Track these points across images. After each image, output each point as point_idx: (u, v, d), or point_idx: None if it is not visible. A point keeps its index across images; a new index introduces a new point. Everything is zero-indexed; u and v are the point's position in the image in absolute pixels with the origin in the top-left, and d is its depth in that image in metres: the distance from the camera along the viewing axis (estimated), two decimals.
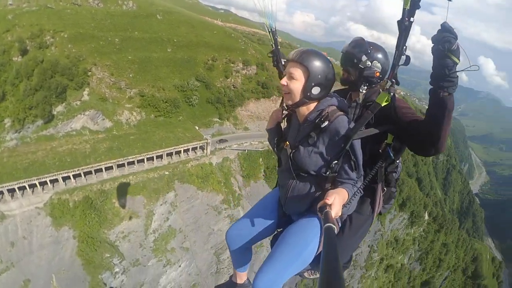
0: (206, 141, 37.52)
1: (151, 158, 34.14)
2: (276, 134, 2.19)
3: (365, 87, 2.07)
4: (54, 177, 31.49)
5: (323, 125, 1.79)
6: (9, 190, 30.91)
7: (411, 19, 1.48)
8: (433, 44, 1.43)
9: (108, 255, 33.14)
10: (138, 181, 33.14)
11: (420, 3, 1.42)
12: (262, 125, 44.76)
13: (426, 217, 69.52)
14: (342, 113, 1.83)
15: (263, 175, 42.32)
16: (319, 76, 1.75)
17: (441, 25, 1.39)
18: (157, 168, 34.23)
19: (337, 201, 1.48)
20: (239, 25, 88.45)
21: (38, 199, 32.02)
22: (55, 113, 32.94)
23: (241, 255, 2.42)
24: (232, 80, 44.51)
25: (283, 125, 2.20)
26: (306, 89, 1.78)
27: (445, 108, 1.52)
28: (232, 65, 45.14)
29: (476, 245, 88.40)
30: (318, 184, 1.92)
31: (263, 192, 33.38)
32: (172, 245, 37.51)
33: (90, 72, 35.04)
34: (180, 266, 37.95)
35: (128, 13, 46.68)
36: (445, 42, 1.37)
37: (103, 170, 32.70)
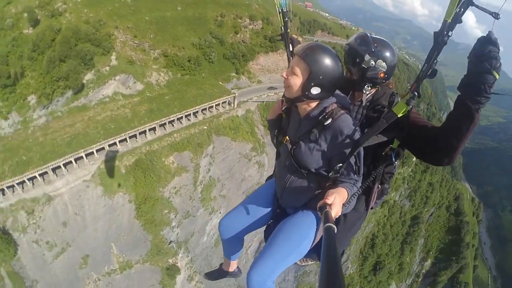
0: (234, 95, 39.30)
1: (189, 115, 35.25)
2: (276, 126, 2.16)
3: (369, 88, 1.99)
4: (101, 146, 31.03)
5: (326, 123, 1.75)
6: (53, 169, 29.82)
7: (450, 33, 1.40)
8: (474, 57, 1.34)
9: (166, 211, 33.99)
10: (182, 137, 33.97)
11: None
12: (273, 77, 47.74)
13: (414, 158, 74.67)
14: (345, 111, 1.79)
15: None
16: (321, 77, 1.66)
17: (486, 36, 1.30)
18: (195, 124, 35.29)
19: (337, 201, 1.46)
20: None
21: (85, 171, 31.21)
22: (84, 82, 31.67)
23: (233, 244, 2.43)
24: (241, 35, 45.51)
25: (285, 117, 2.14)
26: (305, 88, 1.71)
27: (472, 122, 1.46)
28: (239, 20, 46.03)
29: (458, 186, 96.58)
30: (317, 181, 1.91)
31: None
32: (214, 194, 39.71)
33: (113, 36, 33.91)
34: (220, 213, 40.36)
35: None
36: (492, 59, 1.29)
37: (147, 131, 32.97)
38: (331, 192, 1.55)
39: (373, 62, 1.88)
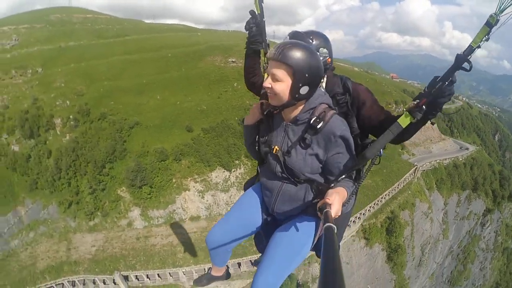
0: (416, 166, 52.55)
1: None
2: (255, 132, 2.08)
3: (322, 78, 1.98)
4: (365, 210, 43.79)
5: (319, 126, 1.70)
6: None
7: (469, 57, 1.50)
8: (439, 93, 1.59)
9: (408, 253, 45.52)
10: (399, 203, 46.88)
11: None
12: (420, 150, 62.20)
13: None
14: (334, 111, 1.77)
15: None
16: (307, 75, 1.59)
17: (451, 80, 1.57)
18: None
19: (337, 200, 1.46)
20: None
21: (353, 229, 43.53)
22: None
23: (221, 255, 2.38)
24: None
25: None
26: (294, 90, 1.63)
27: (423, 125, 1.77)
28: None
29: None
30: (313, 188, 1.88)
31: None
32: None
33: None
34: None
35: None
36: (451, 95, 1.61)
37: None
38: (331, 192, 1.54)
39: (318, 53, 1.88)
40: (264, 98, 1.95)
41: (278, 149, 1.88)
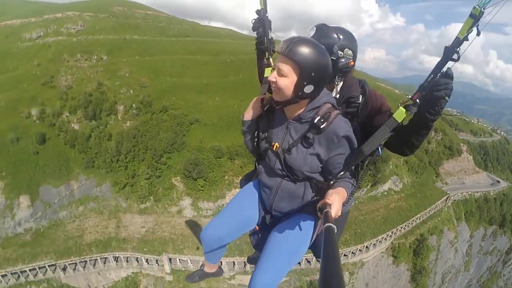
0: (448, 195, 53.99)
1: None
2: (255, 128, 2.05)
3: (340, 79, 2.00)
4: (393, 229, 45.24)
5: (322, 126, 1.68)
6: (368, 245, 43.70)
7: (458, 49, 1.49)
8: (433, 86, 1.53)
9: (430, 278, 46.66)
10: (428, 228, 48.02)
11: (480, 30, 1.42)
12: (453, 180, 63.35)
13: None
14: (338, 111, 1.75)
15: None
16: (313, 74, 1.56)
17: (445, 72, 1.51)
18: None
19: (337, 201, 1.47)
20: None
21: (383, 245, 45.00)
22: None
23: (216, 252, 2.34)
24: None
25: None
26: (298, 88, 1.61)
27: (429, 130, 1.68)
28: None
29: None
30: (313, 186, 1.89)
31: None
32: None
33: None
34: None
35: None
36: (448, 90, 1.50)
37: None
38: (331, 192, 1.56)
39: (341, 53, 1.89)
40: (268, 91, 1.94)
41: (278, 146, 1.86)
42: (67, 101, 42.04)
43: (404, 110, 1.65)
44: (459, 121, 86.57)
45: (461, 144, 64.39)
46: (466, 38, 1.47)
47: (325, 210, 1.38)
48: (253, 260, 2.64)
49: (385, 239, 43.25)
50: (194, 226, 36.32)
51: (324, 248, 0.87)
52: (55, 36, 53.33)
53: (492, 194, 60.36)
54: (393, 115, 1.69)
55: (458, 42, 1.48)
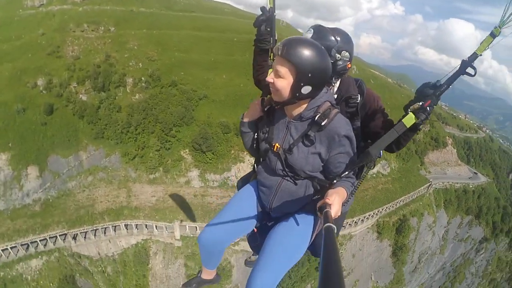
0: (430, 182, 57.14)
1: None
2: (254, 129, 2.05)
3: (336, 80, 2.03)
4: (377, 209, 49.23)
5: (323, 123, 1.69)
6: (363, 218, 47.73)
7: (473, 63, 1.53)
8: (440, 94, 1.66)
9: (409, 255, 51.57)
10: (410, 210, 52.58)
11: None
12: (437, 170, 67.43)
13: None
14: (337, 110, 1.75)
15: None
16: (310, 75, 1.55)
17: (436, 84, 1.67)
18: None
19: (337, 201, 1.47)
20: None
21: (369, 222, 49.14)
22: None
23: (214, 255, 2.31)
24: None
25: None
26: (295, 89, 1.61)
27: (416, 132, 1.79)
28: None
29: None
30: (314, 186, 1.90)
31: None
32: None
33: None
34: None
35: None
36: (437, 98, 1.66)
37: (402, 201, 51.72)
38: (331, 192, 1.55)
39: (339, 55, 1.91)
40: (266, 92, 1.94)
41: (279, 146, 1.86)
42: (75, 72, 42.12)
43: (414, 116, 1.67)
44: (447, 115, 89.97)
45: (447, 137, 67.66)
46: (480, 55, 1.54)
47: (325, 210, 1.35)
48: (251, 263, 2.62)
49: (372, 216, 47.30)
50: (201, 196, 38.87)
51: (324, 248, 0.83)
52: (59, 5, 52.32)
53: (471, 186, 64.46)
54: (402, 120, 1.70)
55: (475, 57, 1.54)
